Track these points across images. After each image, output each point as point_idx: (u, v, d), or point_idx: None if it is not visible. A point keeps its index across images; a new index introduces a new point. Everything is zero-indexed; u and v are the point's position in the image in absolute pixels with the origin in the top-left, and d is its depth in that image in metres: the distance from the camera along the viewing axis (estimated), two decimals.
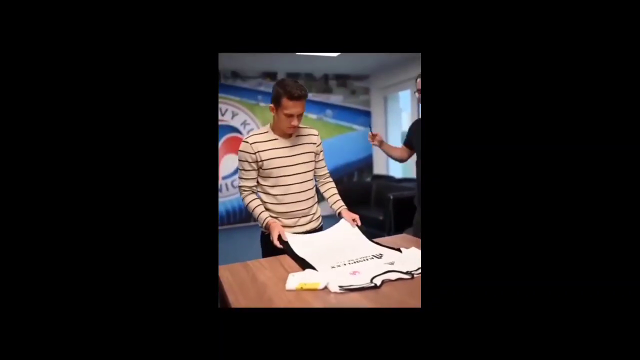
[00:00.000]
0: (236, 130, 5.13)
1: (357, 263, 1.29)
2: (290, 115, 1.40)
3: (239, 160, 1.52)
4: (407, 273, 1.11)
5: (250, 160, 1.48)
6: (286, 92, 1.37)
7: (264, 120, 5.10)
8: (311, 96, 5.36)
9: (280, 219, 1.54)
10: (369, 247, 1.45)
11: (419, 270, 1.13)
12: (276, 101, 1.42)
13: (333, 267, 1.27)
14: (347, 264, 1.29)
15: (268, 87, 5.25)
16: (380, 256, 1.34)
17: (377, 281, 1.07)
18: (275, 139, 1.49)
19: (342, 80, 5.64)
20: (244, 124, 5.17)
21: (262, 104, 5.20)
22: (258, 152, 1.47)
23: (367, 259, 1.32)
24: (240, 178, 1.54)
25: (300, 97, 1.37)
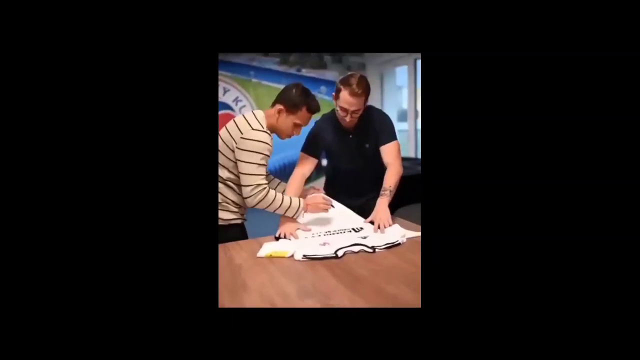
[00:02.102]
0: (228, 107, 5.11)
1: (331, 235, 1.35)
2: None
3: (257, 152, 1.30)
4: (370, 247, 1.18)
5: (269, 154, 1.34)
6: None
7: (257, 97, 5.07)
8: (305, 72, 5.32)
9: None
10: (353, 220, 1.50)
11: (386, 245, 1.18)
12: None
13: (306, 237, 1.35)
14: (321, 235, 1.36)
15: (261, 62, 5.18)
16: (359, 230, 1.40)
17: (340, 253, 1.14)
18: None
19: (337, 56, 5.57)
20: (236, 100, 5.15)
21: (254, 80, 5.15)
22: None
23: (344, 232, 1.38)
24: (256, 175, 1.30)
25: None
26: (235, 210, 1.42)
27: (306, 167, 1.57)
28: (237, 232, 1.43)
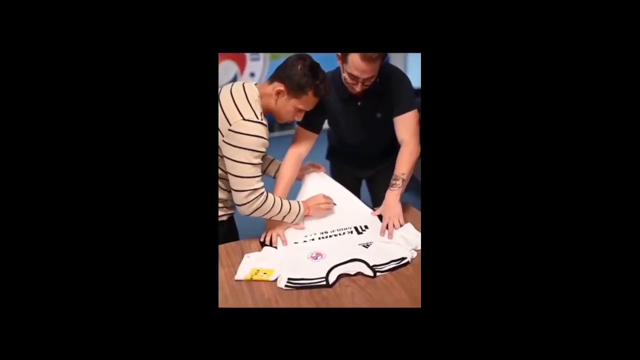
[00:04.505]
0: None
1: (327, 238, 1.13)
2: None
3: (250, 149, 1.01)
4: (371, 268, 0.94)
5: (264, 149, 1.06)
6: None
7: None
8: None
9: None
10: (357, 214, 1.25)
11: (390, 264, 0.95)
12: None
13: (297, 242, 1.14)
14: (315, 238, 1.14)
15: None
16: (362, 230, 1.16)
17: (332, 277, 0.92)
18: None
19: None
20: None
21: None
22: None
23: (344, 233, 1.15)
24: (252, 177, 1.04)
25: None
26: (221, 206, 1.19)
27: (303, 145, 1.27)
28: (223, 232, 1.21)
